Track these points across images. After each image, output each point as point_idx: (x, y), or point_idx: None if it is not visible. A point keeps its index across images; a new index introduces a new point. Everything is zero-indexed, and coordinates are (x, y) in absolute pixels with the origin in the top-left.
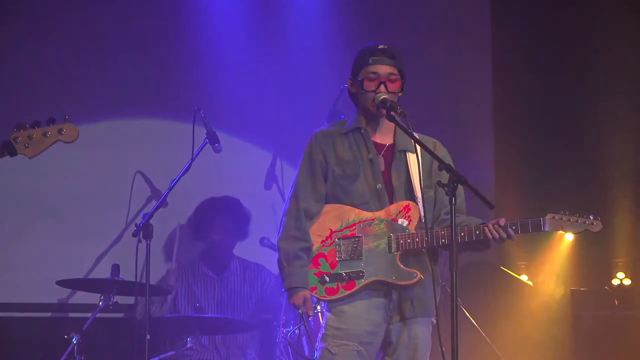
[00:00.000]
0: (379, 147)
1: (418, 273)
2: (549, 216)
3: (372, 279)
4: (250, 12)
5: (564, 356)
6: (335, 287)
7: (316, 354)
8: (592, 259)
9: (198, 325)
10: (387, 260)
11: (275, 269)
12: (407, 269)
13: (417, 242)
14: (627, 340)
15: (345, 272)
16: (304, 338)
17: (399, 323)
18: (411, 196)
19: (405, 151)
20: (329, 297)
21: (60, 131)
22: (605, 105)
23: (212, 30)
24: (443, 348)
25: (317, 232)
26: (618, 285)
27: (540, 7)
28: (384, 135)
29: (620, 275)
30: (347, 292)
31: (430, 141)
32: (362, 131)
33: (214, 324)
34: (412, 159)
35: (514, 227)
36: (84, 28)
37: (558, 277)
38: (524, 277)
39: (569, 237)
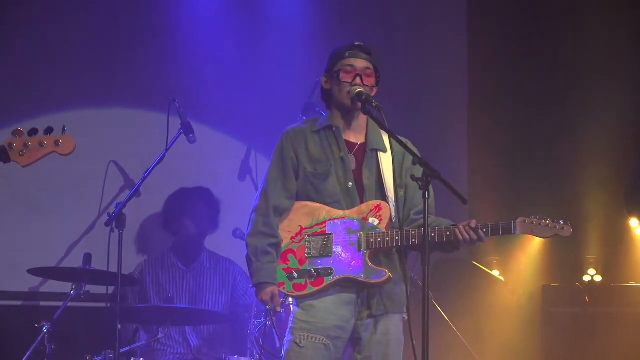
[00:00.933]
0: (350, 145)
1: (387, 272)
2: (519, 220)
3: (341, 276)
4: (227, 4)
5: (534, 351)
6: (303, 283)
7: (284, 347)
8: (564, 256)
9: (168, 316)
10: (356, 258)
11: (244, 266)
12: (376, 267)
13: (388, 241)
14: (597, 337)
15: (314, 269)
16: (274, 331)
17: (368, 319)
18: (382, 196)
19: (377, 150)
20: (297, 293)
21: (57, 142)
22: (578, 107)
23: (189, 21)
24: (414, 342)
25: (287, 229)
26: (589, 282)
27: (516, 5)
28: (356, 134)
29: (592, 272)
30: (315, 289)
31: (401, 140)
32: (334, 129)
33: (184, 315)
34: (384, 158)
35: (484, 230)
36: (58, 17)
37: (529, 272)
38: (495, 273)
39: None
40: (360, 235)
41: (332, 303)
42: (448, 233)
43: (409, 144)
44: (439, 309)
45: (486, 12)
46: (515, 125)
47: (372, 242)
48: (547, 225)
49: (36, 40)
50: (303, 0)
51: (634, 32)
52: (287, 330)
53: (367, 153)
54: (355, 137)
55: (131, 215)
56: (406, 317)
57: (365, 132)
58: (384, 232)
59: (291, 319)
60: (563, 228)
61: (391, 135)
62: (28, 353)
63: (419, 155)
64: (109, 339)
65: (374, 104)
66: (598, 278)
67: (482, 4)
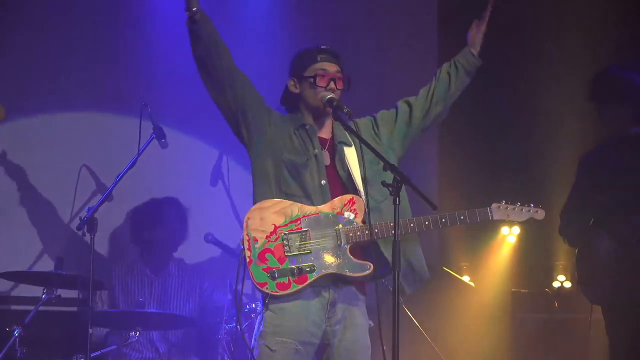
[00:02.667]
0: (322, 141)
1: (371, 265)
2: (494, 205)
3: (325, 272)
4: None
5: (503, 356)
6: (286, 282)
7: (254, 351)
8: (533, 261)
9: (139, 321)
10: (337, 253)
11: (215, 271)
12: (360, 261)
13: (367, 234)
14: (566, 342)
15: (295, 267)
16: (246, 335)
17: (338, 325)
18: (354, 189)
19: (343, 144)
20: (280, 292)
21: None
22: (547, 109)
23: (161, 25)
24: (384, 347)
25: (261, 228)
26: (558, 287)
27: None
28: (326, 130)
29: (561, 278)
30: (300, 286)
31: (368, 122)
32: (307, 127)
33: (154, 320)
34: (348, 152)
35: (462, 217)
36: (31, 20)
37: (499, 278)
38: (465, 278)
39: (511, 239)
40: (339, 229)
41: (302, 307)
42: (427, 222)
43: (377, 119)
44: (409, 314)
45: (457, 14)
46: (485, 128)
47: (351, 236)
48: (521, 209)
49: (9, 42)
50: (276, 4)
51: (593, 25)
52: (256, 335)
53: (336, 146)
54: (325, 134)
55: (103, 220)
56: (372, 324)
57: (331, 127)
58: (361, 226)
59: (261, 322)
60: (537, 211)
61: (362, 142)
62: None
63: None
64: (81, 343)
65: (345, 110)
66: (567, 284)
67: (452, 6)
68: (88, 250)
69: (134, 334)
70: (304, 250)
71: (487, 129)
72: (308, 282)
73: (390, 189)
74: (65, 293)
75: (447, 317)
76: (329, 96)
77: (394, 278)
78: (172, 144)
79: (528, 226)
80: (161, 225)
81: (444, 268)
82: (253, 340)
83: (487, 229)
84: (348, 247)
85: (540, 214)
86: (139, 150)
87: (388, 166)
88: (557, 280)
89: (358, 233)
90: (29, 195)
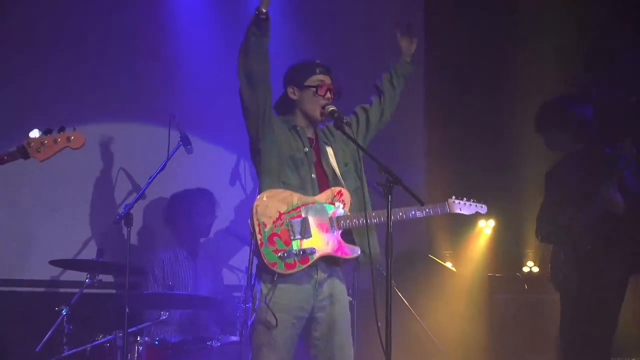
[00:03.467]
0: (310, 140)
1: (359, 248)
2: (449, 200)
3: (322, 253)
4: (216, 35)
5: (481, 331)
6: (292, 262)
7: (254, 327)
8: (506, 250)
9: (169, 301)
10: (331, 238)
11: (234, 256)
12: (350, 245)
13: (355, 222)
14: (535, 319)
15: (299, 249)
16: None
17: (325, 301)
18: (337, 183)
19: (325, 143)
20: (288, 271)
21: (69, 139)
22: (522, 108)
23: (187, 46)
24: (379, 324)
25: (268, 214)
26: (528, 272)
27: (469, 15)
28: (311, 130)
29: (530, 263)
30: (304, 266)
31: (366, 150)
32: (298, 128)
33: (181, 300)
34: (329, 151)
35: (427, 210)
36: (70, 38)
37: (477, 264)
38: (448, 264)
39: (487, 231)
40: (332, 217)
41: (297, 287)
42: (413, 212)
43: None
44: (400, 295)
45: (443, 14)
46: (469, 129)
47: (342, 223)
48: (470, 204)
49: (50, 58)
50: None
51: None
52: (257, 309)
53: (321, 145)
54: (310, 134)
55: (137, 215)
56: (350, 299)
57: (314, 129)
58: (350, 214)
59: (259, 300)
60: (482, 207)
61: (359, 148)
62: (49, 332)
63: (380, 162)
64: (119, 320)
65: (345, 121)
66: (535, 269)
67: (438, 5)
68: (124, 241)
69: (165, 313)
70: (306, 235)
71: (472, 131)
72: (310, 262)
73: (383, 188)
74: (105, 278)
75: (432, 297)
76: (331, 108)
77: (387, 264)
78: (196, 150)
79: (502, 219)
80: (194, 214)
81: (430, 256)
82: (254, 315)
83: (466, 222)
84: (339, 232)
85: (483, 209)
86: (168, 155)
87: (382, 168)
88: (526, 265)
89: (348, 221)
90: (76, 195)
